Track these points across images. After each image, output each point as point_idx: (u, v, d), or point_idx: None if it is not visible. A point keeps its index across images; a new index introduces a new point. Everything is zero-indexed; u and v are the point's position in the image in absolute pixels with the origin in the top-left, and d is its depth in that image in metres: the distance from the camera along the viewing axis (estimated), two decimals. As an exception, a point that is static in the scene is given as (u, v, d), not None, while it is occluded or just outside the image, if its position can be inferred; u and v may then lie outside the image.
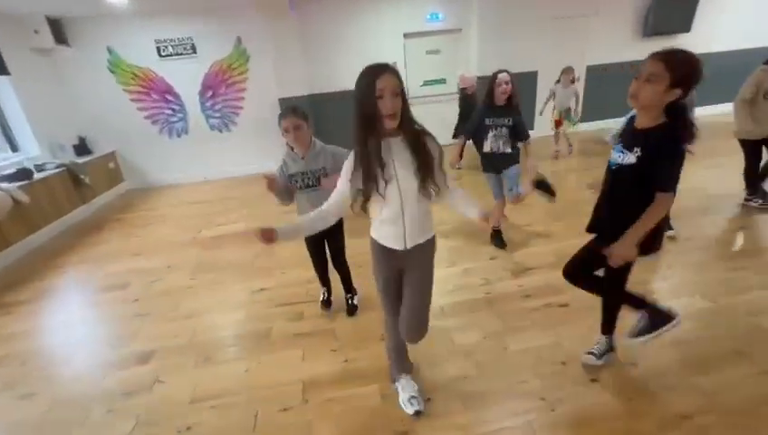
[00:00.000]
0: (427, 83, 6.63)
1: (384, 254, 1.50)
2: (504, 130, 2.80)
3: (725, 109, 4.70)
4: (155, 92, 5.81)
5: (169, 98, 5.88)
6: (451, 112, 6.85)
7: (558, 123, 5.47)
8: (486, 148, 2.87)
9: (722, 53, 6.89)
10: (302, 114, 2.04)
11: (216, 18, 5.59)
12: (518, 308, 2.36)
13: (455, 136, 5.44)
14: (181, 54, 5.68)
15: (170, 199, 5.47)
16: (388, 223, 1.42)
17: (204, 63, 5.79)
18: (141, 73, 5.68)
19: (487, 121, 2.82)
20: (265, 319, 2.51)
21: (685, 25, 6.63)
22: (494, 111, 2.81)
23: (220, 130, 6.20)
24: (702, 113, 5.87)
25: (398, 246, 1.44)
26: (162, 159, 6.18)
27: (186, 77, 5.80)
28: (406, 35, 6.20)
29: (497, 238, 3.13)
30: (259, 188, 5.94)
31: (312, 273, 2.49)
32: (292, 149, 2.09)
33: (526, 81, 6.55)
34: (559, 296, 2.40)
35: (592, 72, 6.74)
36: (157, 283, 3.14)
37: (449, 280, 2.69)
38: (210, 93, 5.95)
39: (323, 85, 6.24)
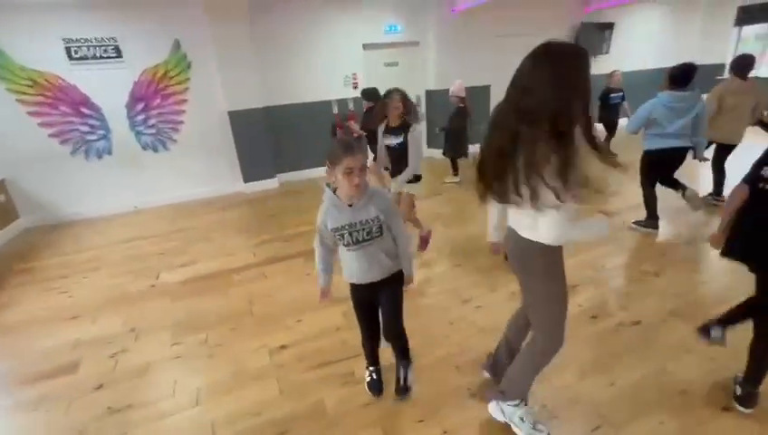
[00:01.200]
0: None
1: None
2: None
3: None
4: (65, 104, 4.62)
5: (85, 111, 4.72)
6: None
7: None
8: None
9: (632, 72, 7.99)
10: (361, 148, 1.47)
11: (147, 17, 4.67)
12: (594, 333, 2.18)
13: (446, 154, 5.32)
14: (101, 59, 4.61)
15: (96, 238, 4.33)
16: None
17: (132, 70, 4.79)
18: (44, 80, 4.47)
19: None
20: (308, 389, 1.95)
21: (605, 49, 7.52)
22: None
23: (155, 150, 5.18)
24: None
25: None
26: (76, 187, 4.92)
27: (108, 86, 4.72)
28: (365, 46, 5.94)
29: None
30: (217, 214, 5.27)
31: (338, 317, 2.02)
32: (335, 191, 1.53)
33: (482, 94, 6.75)
34: (626, 313, 2.30)
35: (536, 87, 7.21)
36: (121, 356, 2.31)
37: (500, 308, 2.41)
38: (141, 106, 4.94)
39: (280, 97, 5.64)
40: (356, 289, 1.70)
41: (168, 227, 4.48)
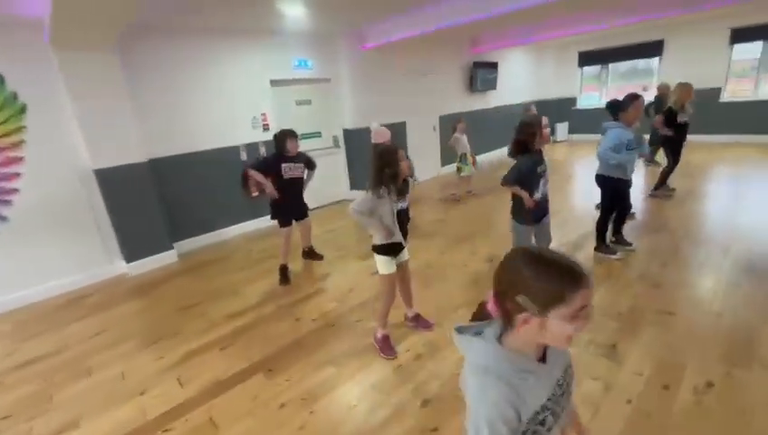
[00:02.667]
0: (301, 137, 5.66)
1: None
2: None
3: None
4: None
5: None
6: (333, 168, 6.13)
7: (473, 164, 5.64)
8: None
9: (516, 105, 8.97)
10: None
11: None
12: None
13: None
14: None
15: None
16: None
17: None
18: None
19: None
20: None
21: (493, 85, 8.24)
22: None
23: (-32, 235, 3.40)
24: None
25: None
26: None
27: None
28: (273, 83, 5.16)
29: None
30: (92, 318, 3.59)
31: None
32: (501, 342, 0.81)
33: (399, 130, 6.57)
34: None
35: (444, 120, 7.39)
36: None
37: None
38: (-64, 172, 3.19)
39: (171, 146, 4.41)
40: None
41: (8, 353, 2.85)
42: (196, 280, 3.86)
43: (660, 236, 3.74)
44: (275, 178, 3.42)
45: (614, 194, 3.26)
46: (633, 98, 3.10)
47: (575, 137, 10.06)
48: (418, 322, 2.65)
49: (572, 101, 10.10)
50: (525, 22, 6.15)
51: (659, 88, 6.40)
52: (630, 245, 3.53)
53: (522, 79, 9.30)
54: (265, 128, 5.12)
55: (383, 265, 2.31)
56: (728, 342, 2.22)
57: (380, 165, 2.12)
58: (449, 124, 7.32)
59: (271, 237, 4.65)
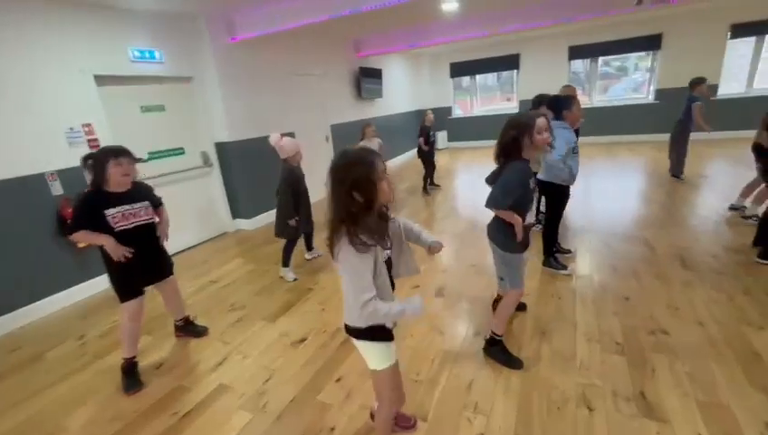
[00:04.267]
0: (154, 156, 4.14)
1: None
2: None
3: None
4: None
5: None
6: (205, 192, 4.76)
7: None
8: None
9: (401, 114, 8.77)
10: None
11: None
12: None
13: (278, 235, 3.50)
14: None
15: None
16: None
17: None
18: None
19: None
20: None
21: (379, 93, 7.84)
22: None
23: None
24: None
25: None
26: None
27: None
28: (100, 80, 3.55)
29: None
30: None
31: None
32: None
33: (288, 143, 5.51)
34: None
35: (337, 130, 6.60)
36: None
37: None
38: None
39: None
40: None
41: None
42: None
43: (588, 237, 3.68)
44: (103, 232, 2.04)
45: (561, 201, 2.97)
46: (573, 95, 2.87)
47: (454, 144, 10.50)
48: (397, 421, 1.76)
49: (448, 110, 10.54)
50: (399, 23, 5.87)
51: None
52: (569, 251, 3.33)
53: (404, 87, 9.20)
54: (93, 144, 3.48)
55: (382, 355, 1.35)
56: (742, 362, 1.97)
57: (347, 189, 1.14)
58: (342, 134, 6.62)
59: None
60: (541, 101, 3.27)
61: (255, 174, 4.92)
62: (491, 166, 2.04)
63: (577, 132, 4.29)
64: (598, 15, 5.24)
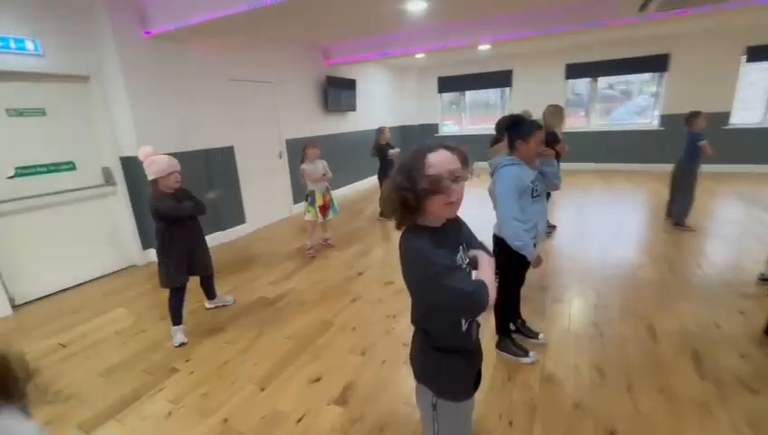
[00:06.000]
0: (25, 173, 3.28)
1: None
2: None
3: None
4: None
5: None
6: (106, 217, 3.90)
7: (323, 209, 4.01)
8: None
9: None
10: None
11: None
12: None
13: (162, 283, 2.61)
14: None
15: None
16: None
17: None
18: None
19: None
20: None
21: (352, 106, 7.04)
22: None
23: None
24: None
25: None
26: None
27: None
28: (-63, 73, 2.73)
29: None
30: None
31: None
32: None
33: (225, 157, 4.68)
34: None
35: (293, 145, 5.77)
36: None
37: None
38: None
39: None
40: None
41: None
42: None
43: (568, 307, 2.78)
44: None
45: (521, 263, 2.06)
46: (531, 122, 2.01)
47: (441, 164, 9.66)
48: None
49: (435, 127, 9.74)
50: (368, 28, 5.09)
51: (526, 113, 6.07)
52: (538, 336, 2.41)
53: (385, 101, 8.42)
54: None
55: None
56: None
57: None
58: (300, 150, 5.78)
59: None
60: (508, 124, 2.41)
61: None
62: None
63: (558, 158, 3.40)
64: (594, 27, 4.44)
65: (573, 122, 8.25)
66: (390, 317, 2.75)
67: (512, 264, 2.05)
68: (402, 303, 2.93)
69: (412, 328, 1.17)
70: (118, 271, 3.95)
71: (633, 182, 6.64)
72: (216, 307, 3.07)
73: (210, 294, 3.04)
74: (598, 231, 4.37)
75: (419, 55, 6.78)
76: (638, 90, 8.37)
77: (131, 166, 3.86)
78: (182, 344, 2.57)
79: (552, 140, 3.81)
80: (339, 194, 7.00)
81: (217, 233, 4.62)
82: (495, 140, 2.69)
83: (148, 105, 3.83)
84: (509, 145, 1.99)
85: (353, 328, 2.64)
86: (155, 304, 3.13)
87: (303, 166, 3.91)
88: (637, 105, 8.25)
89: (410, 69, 9.18)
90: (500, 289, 2.08)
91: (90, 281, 3.71)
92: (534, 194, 1.97)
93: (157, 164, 2.43)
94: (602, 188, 6.46)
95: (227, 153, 4.72)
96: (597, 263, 3.46)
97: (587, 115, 8.15)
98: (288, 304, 3.05)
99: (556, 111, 3.83)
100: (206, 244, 2.81)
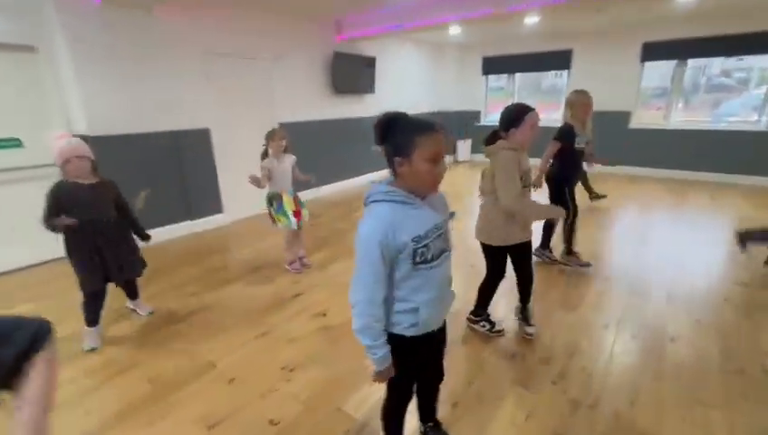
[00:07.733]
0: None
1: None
2: None
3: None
4: None
5: None
6: (31, 207, 3.58)
7: (297, 214, 3.14)
8: None
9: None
10: None
11: None
12: None
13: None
14: None
15: None
16: None
17: None
18: None
19: None
20: None
21: (370, 88, 6.27)
22: None
23: None
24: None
25: None
26: None
27: None
28: None
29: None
30: None
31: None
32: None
33: (200, 139, 4.28)
34: None
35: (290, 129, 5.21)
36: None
37: None
38: None
39: None
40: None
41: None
42: None
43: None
44: None
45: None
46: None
47: (479, 157, 8.53)
48: None
49: (476, 115, 8.58)
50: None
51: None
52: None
53: (415, 83, 7.47)
54: None
55: None
56: None
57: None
58: (303, 134, 5.12)
59: None
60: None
61: (139, 179, 3.71)
62: None
63: (582, 154, 2.94)
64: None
65: (644, 117, 6.66)
66: (286, 370, 2.09)
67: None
68: (316, 348, 2.25)
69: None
70: (48, 261, 3.64)
71: (717, 203, 5.06)
72: (134, 310, 2.69)
73: (132, 293, 2.65)
74: (663, 276, 3.21)
75: (455, 30, 5.77)
76: (758, 78, 6.42)
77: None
78: (92, 349, 2.27)
79: (566, 137, 2.80)
80: (347, 185, 6.37)
81: (186, 222, 4.28)
82: (493, 135, 2.07)
83: (101, 80, 3.49)
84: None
85: (231, 380, 2.03)
86: (68, 305, 2.79)
87: (265, 163, 3.14)
88: (758, 98, 6.24)
89: (447, 47, 8.08)
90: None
91: (15, 270, 3.45)
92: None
93: (57, 150, 2.09)
94: (671, 204, 5.02)
95: (202, 136, 4.31)
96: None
97: (666, 108, 6.48)
98: (190, 327, 2.53)
99: (576, 100, 2.79)
100: (129, 245, 2.40)
